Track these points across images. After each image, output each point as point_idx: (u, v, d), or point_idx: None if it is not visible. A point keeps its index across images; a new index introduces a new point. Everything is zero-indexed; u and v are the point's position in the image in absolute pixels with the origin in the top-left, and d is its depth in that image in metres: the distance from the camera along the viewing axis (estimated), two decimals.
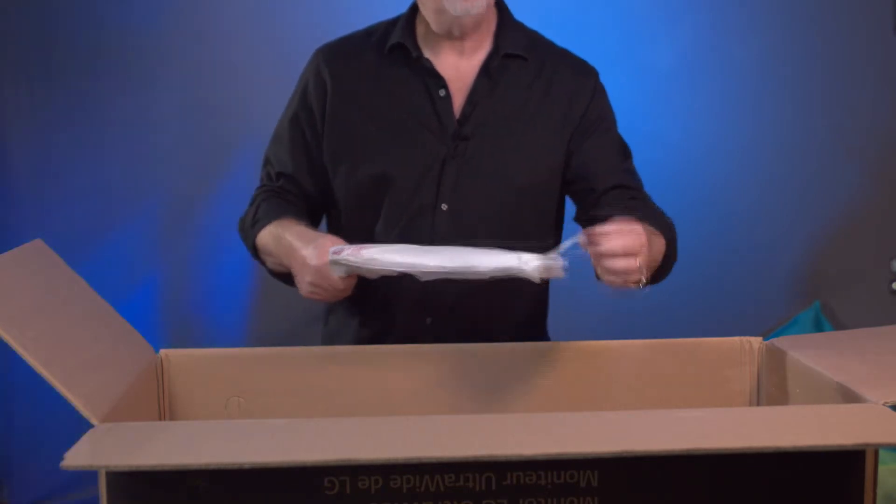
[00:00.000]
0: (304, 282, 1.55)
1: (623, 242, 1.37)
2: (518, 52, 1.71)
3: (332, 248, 1.49)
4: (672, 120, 2.92)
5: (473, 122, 1.68)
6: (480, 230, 1.64)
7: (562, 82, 1.72)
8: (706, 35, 2.91)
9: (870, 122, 2.95)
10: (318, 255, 1.51)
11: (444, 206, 1.67)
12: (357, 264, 1.47)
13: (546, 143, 1.71)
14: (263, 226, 1.67)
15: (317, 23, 2.76)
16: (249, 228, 1.71)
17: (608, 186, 1.69)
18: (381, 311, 1.72)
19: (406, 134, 1.68)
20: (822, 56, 2.93)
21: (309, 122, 1.73)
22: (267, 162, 1.79)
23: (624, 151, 1.77)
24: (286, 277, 1.66)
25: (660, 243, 1.57)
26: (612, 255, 1.36)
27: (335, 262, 1.49)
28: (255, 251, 1.72)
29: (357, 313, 1.75)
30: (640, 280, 1.40)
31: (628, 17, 2.89)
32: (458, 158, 1.67)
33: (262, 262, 1.72)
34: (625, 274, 1.38)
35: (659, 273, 1.61)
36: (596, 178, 1.70)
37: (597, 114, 1.74)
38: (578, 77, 1.74)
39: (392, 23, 1.75)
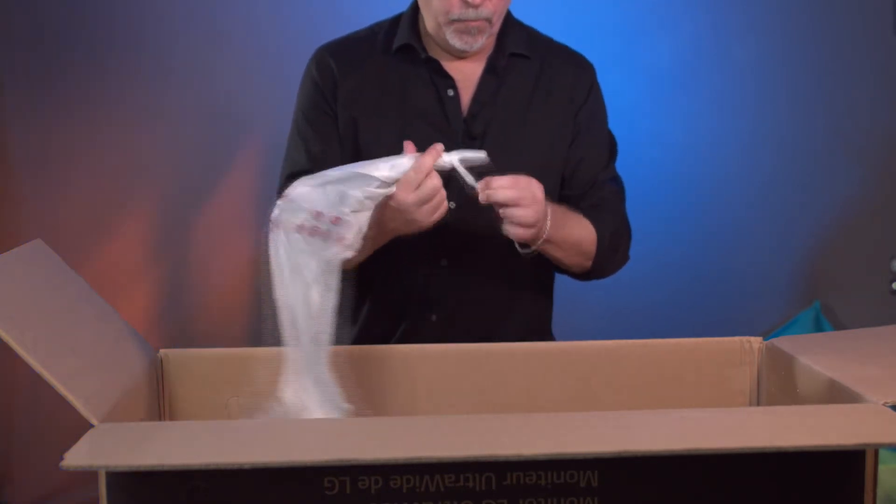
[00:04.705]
0: (412, 207, 1.49)
1: (515, 194, 1.50)
2: (521, 51, 1.72)
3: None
4: (672, 120, 2.92)
5: (481, 122, 1.69)
6: (488, 228, 1.64)
7: (563, 80, 1.73)
8: (706, 35, 2.91)
9: (870, 122, 2.95)
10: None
11: (452, 205, 1.67)
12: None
13: (551, 142, 1.71)
14: None
15: (317, 23, 2.76)
16: None
17: (577, 193, 1.73)
18: (388, 308, 1.72)
19: (415, 135, 1.67)
20: (822, 56, 2.93)
21: (329, 110, 1.71)
22: (291, 172, 1.72)
23: (610, 152, 1.79)
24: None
25: (582, 227, 1.67)
26: (505, 204, 1.50)
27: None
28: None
29: (364, 312, 1.75)
30: (541, 231, 1.55)
31: (628, 17, 2.89)
32: None
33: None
34: (520, 223, 1.51)
35: (597, 264, 1.70)
36: (571, 183, 1.74)
37: (591, 112, 1.75)
38: (577, 74, 1.75)
39: (394, 22, 1.75)
